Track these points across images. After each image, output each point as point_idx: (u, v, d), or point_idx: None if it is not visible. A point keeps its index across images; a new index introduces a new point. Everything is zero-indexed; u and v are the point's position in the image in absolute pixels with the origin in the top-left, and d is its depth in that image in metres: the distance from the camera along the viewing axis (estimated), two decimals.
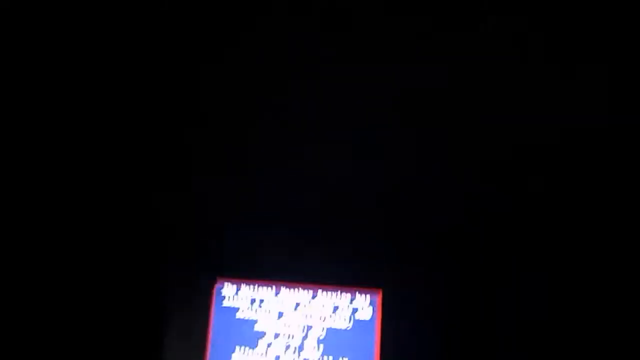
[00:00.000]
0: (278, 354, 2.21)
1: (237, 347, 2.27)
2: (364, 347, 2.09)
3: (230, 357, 2.27)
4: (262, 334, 2.26)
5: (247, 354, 2.25)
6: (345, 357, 2.13)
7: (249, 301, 2.29)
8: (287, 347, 2.21)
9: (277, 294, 2.25)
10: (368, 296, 2.11)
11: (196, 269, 2.41)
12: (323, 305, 2.18)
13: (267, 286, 2.26)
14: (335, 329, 2.15)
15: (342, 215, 2.21)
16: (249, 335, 2.27)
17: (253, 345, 2.27)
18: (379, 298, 2.10)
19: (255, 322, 2.27)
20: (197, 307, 2.37)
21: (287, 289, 2.23)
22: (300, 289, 2.21)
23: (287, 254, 2.27)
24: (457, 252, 2.08)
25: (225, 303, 2.31)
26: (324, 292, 2.17)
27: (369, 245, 2.15)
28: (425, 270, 2.08)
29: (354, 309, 2.15)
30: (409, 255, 2.11)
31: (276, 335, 2.23)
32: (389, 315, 2.11)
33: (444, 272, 2.07)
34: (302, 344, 2.21)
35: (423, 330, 2.07)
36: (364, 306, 2.12)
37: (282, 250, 2.28)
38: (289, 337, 2.22)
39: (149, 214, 2.49)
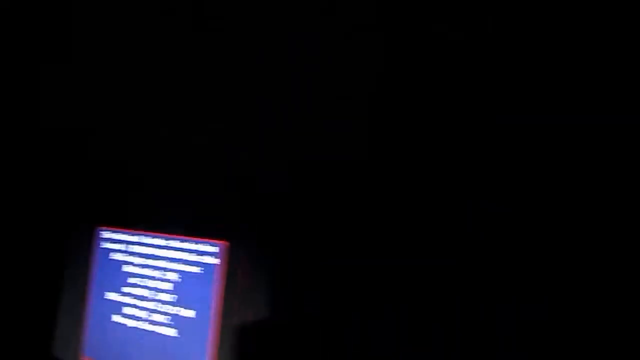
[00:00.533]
0: (140, 294, 2.56)
1: (111, 287, 2.65)
2: (209, 292, 2.34)
3: (105, 295, 2.65)
4: (129, 275, 2.61)
5: (118, 293, 2.63)
6: (192, 301, 2.39)
7: (121, 246, 2.66)
8: (147, 287, 2.55)
9: (142, 241, 2.59)
10: (215, 247, 2.35)
11: (80, 217, 2.78)
12: (176, 252, 2.48)
13: (136, 235, 2.61)
14: (185, 272, 2.43)
15: (200, 175, 2.48)
16: (120, 276, 2.64)
17: (122, 284, 2.63)
18: (224, 249, 2.32)
19: (124, 264, 2.63)
20: (81, 251, 2.76)
21: (150, 237, 2.57)
22: (159, 237, 2.54)
23: (154, 207, 2.57)
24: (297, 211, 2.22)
25: (103, 246, 2.71)
26: (179, 241, 2.47)
27: (218, 200, 2.35)
28: (270, 225, 2.23)
29: (202, 257, 2.39)
30: (254, 211, 2.28)
31: (140, 277, 2.57)
32: (233, 265, 2.30)
33: (285, 228, 2.21)
34: (158, 286, 2.52)
35: (265, 281, 2.21)
36: (211, 255, 2.36)
37: (149, 203, 2.59)
38: (149, 279, 2.55)
39: (42, 166, 2.74)
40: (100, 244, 2.67)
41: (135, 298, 2.53)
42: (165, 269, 2.46)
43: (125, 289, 2.56)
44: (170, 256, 2.46)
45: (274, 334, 2.15)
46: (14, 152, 2.67)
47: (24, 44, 1.92)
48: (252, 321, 2.17)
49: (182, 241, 2.43)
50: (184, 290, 2.40)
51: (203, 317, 2.30)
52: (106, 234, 2.66)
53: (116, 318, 2.56)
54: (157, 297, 2.45)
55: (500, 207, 2.03)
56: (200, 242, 2.38)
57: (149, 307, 2.46)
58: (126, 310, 2.54)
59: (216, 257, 2.33)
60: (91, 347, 2.60)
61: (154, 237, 2.53)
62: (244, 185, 2.34)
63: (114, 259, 2.61)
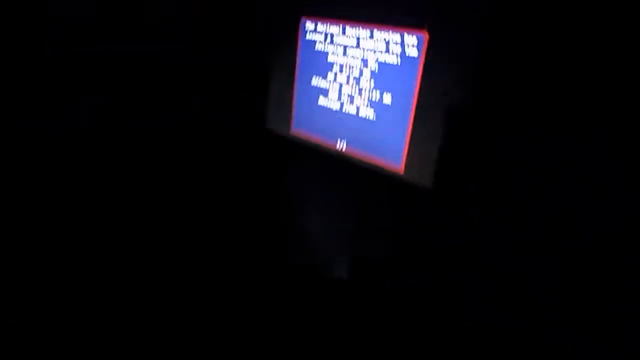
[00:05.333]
0: (341, 82, 2.71)
1: (315, 74, 2.84)
2: (408, 82, 2.40)
3: (310, 82, 2.85)
4: (331, 65, 2.74)
5: (321, 80, 2.81)
6: (390, 89, 2.49)
7: (323, 37, 2.76)
8: (348, 77, 2.68)
9: (343, 31, 2.66)
10: (415, 36, 2.36)
11: (284, 9, 2.88)
12: (377, 42, 2.52)
13: (336, 25, 2.67)
14: (386, 63, 2.49)
15: None
16: (323, 65, 2.77)
17: (325, 73, 2.78)
18: (425, 38, 2.32)
19: (327, 54, 2.75)
20: (287, 41, 2.91)
21: (351, 28, 2.62)
22: (360, 27, 2.59)
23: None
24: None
25: (308, 37, 2.83)
26: (379, 31, 2.51)
27: None
28: (473, 14, 2.13)
29: (403, 47, 2.42)
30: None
31: (341, 67, 2.70)
32: (433, 55, 2.28)
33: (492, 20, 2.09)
34: (360, 75, 2.62)
35: (462, 73, 2.18)
36: (412, 45, 2.38)
37: None
38: (350, 68, 2.66)
39: None
40: (304, 34, 2.86)
41: (337, 84, 2.76)
42: (365, 59, 2.58)
43: (329, 76, 2.79)
44: (371, 47, 2.53)
45: (464, 127, 2.18)
46: None
47: None
48: (446, 114, 2.23)
49: (383, 31, 2.47)
50: (384, 79, 2.52)
51: (400, 104, 2.45)
52: (310, 25, 2.81)
53: (321, 101, 2.83)
54: (358, 85, 2.65)
55: None
56: (401, 33, 2.41)
57: (350, 92, 2.68)
58: (330, 95, 2.78)
59: (417, 49, 2.37)
60: (299, 123, 2.95)
61: (355, 27, 2.59)
62: None
63: (317, 50, 2.81)
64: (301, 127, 2.91)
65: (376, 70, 2.52)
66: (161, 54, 2.80)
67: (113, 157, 2.85)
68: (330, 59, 2.71)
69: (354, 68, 2.61)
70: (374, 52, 2.51)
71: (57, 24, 2.61)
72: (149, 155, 2.88)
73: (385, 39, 2.45)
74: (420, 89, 2.33)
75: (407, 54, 2.37)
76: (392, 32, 2.42)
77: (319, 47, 2.76)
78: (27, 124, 2.67)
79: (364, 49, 2.54)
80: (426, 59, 2.30)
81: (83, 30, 2.65)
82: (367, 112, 2.59)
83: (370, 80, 2.54)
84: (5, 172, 2.66)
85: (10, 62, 2.62)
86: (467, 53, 2.13)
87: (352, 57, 2.59)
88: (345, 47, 2.63)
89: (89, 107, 2.77)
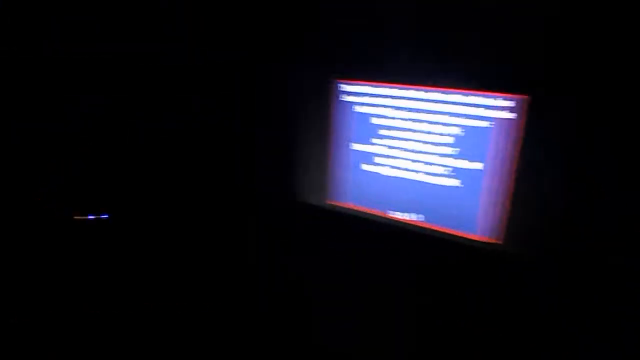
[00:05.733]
0: (406, 147, 2.36)
1: (363, 140, 2.50)
2: (501, 152, 2.07)
3: (351, 146, 2.54)
4: (380, 127, 2.42)
5: (373, 146, 2.47)
6: (480, 159, 2.14)
7: (369, 99, 2.43)
8: (418, 141, 2.31)
9: (401, 95, 2.31)
10: (512, 102, 2.03)
11: (318, 70, 2.58)
12: (458, 105, 2.16)
13: (390, 88, 2.33)
14: (472, 128, 2.14)
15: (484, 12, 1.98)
16: (374, 129, 2.43)
17: (373, 137, 2.45)
18: (524, 103, 2.01)
19: (374, 116, 2.42)
20: (321, 104, 2.59)
21: (416, 91, 2.27)
22: (426, 90, 2.23)
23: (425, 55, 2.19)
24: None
25: (344, 98, 2.50)
26: (460, 95, 2.15)
27: (518, 47, 1.99)
28: (578, 79, 1.91)
29: (490, 111, 2.09)
30: (561, 60, 1.93)
31: (404, 130, 2.34)
32: (532, 122, 2.00)
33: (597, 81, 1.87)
34: (435, 141, 2.26)
35: (566, 140, 1.94)
36: (506, 108, 2.06)
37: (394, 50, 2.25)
38: (418, 132, 2.30)
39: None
40: (340, 96, 2.51)
41: (393, 149, 2.40)
42: (438, 123, 2.22)
43: (379, 141, 2.43)
44: (447, 110, 2.18)
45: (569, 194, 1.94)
46: None
47: None
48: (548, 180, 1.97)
49: (465, 95, 2.12)
50: (466, 144, 2.17)
51: (491, 170, 2.11)
52: (347, 87, 2.47)
53: (370, 167, 2.51)
54: (429, 150, 2.30)
55: None
56: (491, 96, 2.06)
57: (420, 159, 2.33)
58: (380, 160, 2.46)
59: (514, 114, 2.01)
60: (341, 194, 2.65)
61: (422, 91, 2.24)
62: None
63: (359, 112, 2.46)
64: (344, 198, 2.63)
65: (458, 134, 2.18)
66: (161, 54, 2.80)
67: (113, 157, 2.86)
68: (388, 122, 2.38)
69: (422, 132, 2.28)
70: (452, 115, 2.18)
71: (57, 24, 2.61)
72: (149, 155, 2.88)
73: (466, 102, 2.13)
74: (521, 150, 2.02)
75: (499, 117, 2.04)
76: (480, 95, 2.08)
77: (366, 110, 2.43)
78: (27, 124, 2.67)
79: (437, 112, 2.22)
80: (526, 121, 1.99)
81: (83, 30, 2.65)
82: (445, 180, 2.26)
83: (447, 145, 2.22)
84: (5, 172, 2.66)
85: (10, 62, 2.62)
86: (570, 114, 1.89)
87: (420, 120, 2.27)
88: (409, 110, 2.30)
89: (89, 107, 2.77)
